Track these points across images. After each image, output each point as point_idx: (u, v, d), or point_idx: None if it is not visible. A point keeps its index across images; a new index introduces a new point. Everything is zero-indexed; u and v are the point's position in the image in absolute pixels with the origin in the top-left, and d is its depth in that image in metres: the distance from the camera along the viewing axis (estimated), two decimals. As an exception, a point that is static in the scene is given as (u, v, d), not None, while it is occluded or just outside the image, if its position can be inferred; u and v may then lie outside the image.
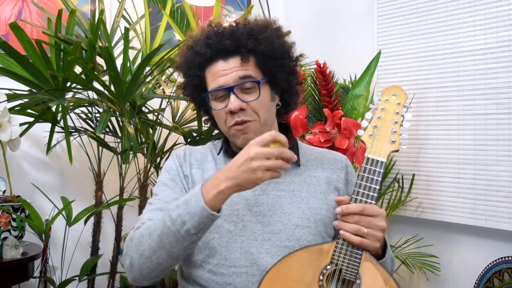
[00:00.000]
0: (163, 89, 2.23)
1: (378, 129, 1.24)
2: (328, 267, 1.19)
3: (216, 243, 1.29)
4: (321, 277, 1.18)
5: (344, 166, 1.43)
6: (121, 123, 2.26)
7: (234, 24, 1.35)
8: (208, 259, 1.29)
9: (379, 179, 1.20)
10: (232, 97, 1.30)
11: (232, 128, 1.33)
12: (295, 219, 1.31)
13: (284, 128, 1.46)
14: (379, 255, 1.24)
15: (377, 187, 1.20)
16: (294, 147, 1.42)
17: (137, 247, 1.23)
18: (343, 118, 2.13)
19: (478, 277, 2.07)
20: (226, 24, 1.36)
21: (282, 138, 1.12)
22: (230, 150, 1.42)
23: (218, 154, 1.43)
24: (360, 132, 1.26)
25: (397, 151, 1.23)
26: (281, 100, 1.41)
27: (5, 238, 2.04)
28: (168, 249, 1.18)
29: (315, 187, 1.37)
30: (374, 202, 1.19)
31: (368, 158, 1.22)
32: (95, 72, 2.05)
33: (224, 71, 1.31)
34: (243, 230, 1.29)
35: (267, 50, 1.32)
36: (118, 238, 2.30)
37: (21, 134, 2.16)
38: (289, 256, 1.21)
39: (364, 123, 1.26)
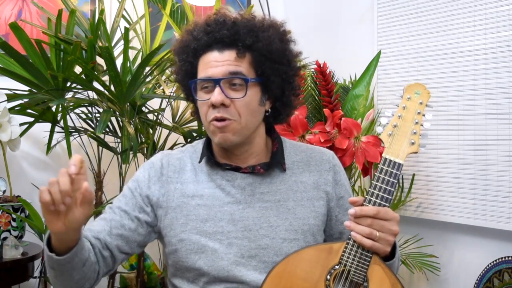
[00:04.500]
0: (163, 89, 2.22)
1: (398, 128, 1.19)
2: (336, 267, 1.17)
3: (202, 263, 1.25)
4: (328, 277, 1.17)
5: (331, 166, 1.37)
6: (121, 123, 2.26)
7: (238, 16, 1.28)
8: (198, 277, 1.26)
9: (395, 181, 1.15)
10: (217, 90, 1.22)
11: (211, 124, 1.25)
12: (282, 233, 1.27)
13: (269, 129, 1.39)
14: (387, 256, 1.22)
15: (393, 189, 1.15)
16: (278, 151, 1.34)
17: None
18: (343, 118, 2.13)
19: (478, 277, 2.08)
20: (230, 14, 1.30)
21: (73, 161, 1.05)
22: (213, 159, 1.33)
23: (199, 162, 1.34)
24: (379, 129, 1.20)
25: (415, 153, 1.19)
26: (272, 108, 1.33)
27: (5, 238, 2.03)
28: (54, 275, 1.20)
29: (302, 194, 1.32)
30: (388, 204, 1.15)
31: (385, 159, 1.17)
32: (95, 72, 2.04)
33: (216, 62, 1.24)
34: (229, 248, 1.25)
35: (264, 49, 1.25)
36: (118, 238, 2.29)
37: (21, 134, 2.15)
38: (297, 252, 1.20)
39: (383, 121, 1.20)
